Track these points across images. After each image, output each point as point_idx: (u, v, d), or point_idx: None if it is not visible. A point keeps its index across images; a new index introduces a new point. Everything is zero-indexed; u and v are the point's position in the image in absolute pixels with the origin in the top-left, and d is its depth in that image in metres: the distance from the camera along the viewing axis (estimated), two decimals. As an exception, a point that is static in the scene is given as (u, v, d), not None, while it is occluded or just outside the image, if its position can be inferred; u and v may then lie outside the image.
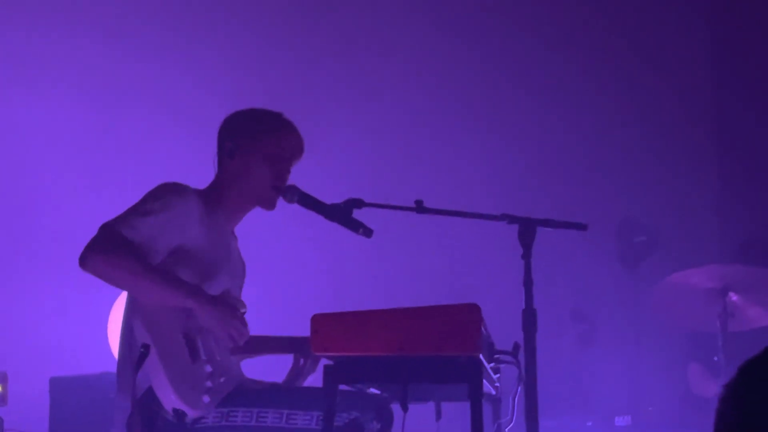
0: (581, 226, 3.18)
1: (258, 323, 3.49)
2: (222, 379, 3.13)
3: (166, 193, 3.21)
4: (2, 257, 5.56)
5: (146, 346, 2.96)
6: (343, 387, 2.95)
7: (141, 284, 3.06)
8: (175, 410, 3.00)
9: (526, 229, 3.12)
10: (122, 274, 3.06)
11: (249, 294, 3.43)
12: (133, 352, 3.06)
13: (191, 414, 3.02)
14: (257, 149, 3.36)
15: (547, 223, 3.17)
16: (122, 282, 3.12)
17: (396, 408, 3.05)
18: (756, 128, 6.67)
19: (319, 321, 2.85)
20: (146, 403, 3.03)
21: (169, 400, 2.99)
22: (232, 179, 3.37)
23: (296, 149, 3.40)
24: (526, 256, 3.12)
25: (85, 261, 3.04)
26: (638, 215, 6.36)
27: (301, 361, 3.45)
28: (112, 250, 3.04)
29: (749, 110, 6.75)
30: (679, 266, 5.28)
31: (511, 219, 3.16)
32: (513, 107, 6.68)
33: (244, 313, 3.29)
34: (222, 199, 3.37)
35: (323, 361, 2.96)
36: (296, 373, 3.46)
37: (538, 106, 6.70)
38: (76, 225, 5.36)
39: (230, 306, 3.17)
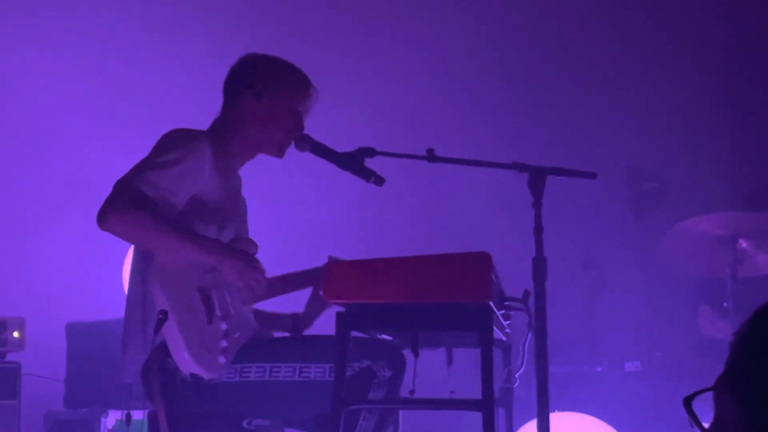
0: (591, 175, 3.20)
1: (270, 272, 3.52)
2: (237, 335, 3.14)
3: (180, 143, 3.17)
4: (19, 204, 5.60)
5: (164, 312, 2.97)
6: (354, 334, 3.00)
7: (162, 242, 3.04)
8: (193, 375, 3.03)
9: (536, 177, 3.14)
10: (142, 233, 3.04)
11: (261, 243, 3.46)
12: (144, 313, 3.08)
13: (207, 377, 3.05)
14: (283, 97, 3.35)
15: (557, 171, 3.18)
16: (143, 240, 3.10)
17: (407, 354, 3.09)
18: (766, 74, 6.64)
19: (331, 268, 2.88)
20: (161, 358, 3.06)
21: (186, 365, 3.00)
22: (249, 120, 3.33)
23: (310, 109, 3.41)
24: (537, 204, 3.14)
25: (104, 220, 3.01)
26: (648, 162, 6.36)
27: (321, 291, 3.45)
28: (131, 208, 3.00)
29: (759, 56, 6.72)
30: (689, 213, 5.30)
31: (521, 167, 3.17)
32: (524, 56, 6.66)
33: (255, 252, 3.31)
34: (233, 139, 3.34)
35: (336, 307, 3.00)
36: (317, 304, 3.47)
37: (548, 54, 6.68)
38: (92, 171, 5.42)
39: (248, 256, 3.18)
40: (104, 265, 5.43)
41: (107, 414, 4.69)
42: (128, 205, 3.01)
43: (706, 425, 1.46)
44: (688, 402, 1.47)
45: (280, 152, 3.39)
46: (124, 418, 3.50)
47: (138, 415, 4.00)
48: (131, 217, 3.01)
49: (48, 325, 5.00)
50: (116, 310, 4.84)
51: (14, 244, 5.56)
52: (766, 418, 1.36)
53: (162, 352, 3.04)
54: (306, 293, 3.53)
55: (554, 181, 3.19)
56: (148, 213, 3.02)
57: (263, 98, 3.33)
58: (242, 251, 3.18)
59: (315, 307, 3.48)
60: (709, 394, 1.51)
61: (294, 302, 3.55)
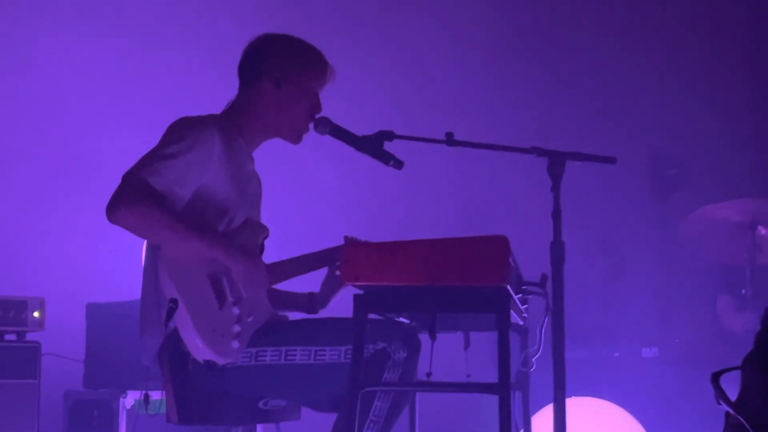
0: (610, 160, 3.19)
1: (286, 255, 3.54)
2: (250, 319, 3.13)
3: (187, 132, 3.15)
4: (40, 185, 5.63)
5: (174, 301, 2.97)
6: (371, 316, 3.00)
7: (168, 236, 3.03)
8: (206, 361, 3.02)
9: (555, 161, 3.13)
10: (150, 227, 3.02)
11: (280, 226, 3.47)
12: (159, 300, 3.07)
13: (221, 362, 3.04)
14: (302, 83, 3.33)
15: (576, 156, 3.18)
16: (150, 234, 3.09)
17: (424, 337, 3.10)
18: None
19: (349, 250, 2.89)
20: (174, 343, 3.07)
21: (200, 351, 3.00)
22: (267, 107, 3.32)
23: (325, 87, 3.41)
24: (555, 188, 3.13)
25: (112, 214, 3.00)
26: (669, 149, 6.35)
27: (338, 271, 3.43)
28: (139, 201, 3.00)
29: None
30: (709, 200, 5.29)
31: (540, 152, 3.17)
32: (545, 41, 6.65)
33: (266, 237, 3.31)
34: (248, 124, 3.33)
35: (353, 289, 3.00)
36: (333, 284, 3.47)
37: (570, 39, 6.66)
38: (112, 153, 5.44)
39: (251, 255, 3.17)
40: (124, 246, 5.43)
41: (126, 394, 4.72)
42: (136, 198, 3.00)
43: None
44: (716, 378, 1.48)
45: (297, 138, 3.39)
46: (142, 398, 3.52)
47: (156, 395, 4.03)
48: (139, 210, 3.00)
49: (68, 306, 5.02)
50: (135, 291, 4.84)
51: (34, 225, 5.59)
52: None
53: (175, 337, 3.05)
54: (321, 273, 3.53)
55: (576, 166, 3.19)
56: (155, 206, 3.01)
57: (282, 86, 3.32)
58: (246, 250, 3.16)
59: (331, 287, 3.49)
60: (733, 377, 1.52)
61: (310, 282, 3.56)
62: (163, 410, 3.26)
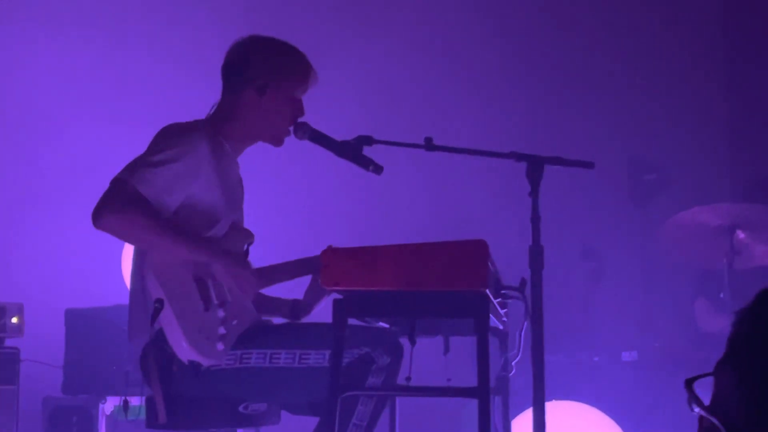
0: (588, 164, 3.20)
1: (269, 260, 3.54)
2: (235, 322, 3.14)
3: (176, 140, 3.15)
4: (18, 190, 5.61)
5: (160, 301, 2.99)
6: (353, 322, 3.00)
7: (156, 242, 3.05)
8: (191, 362, 3.04)
9: (534, 166, 3.14)
10: (137, 233, 3.04)
11: (261, 231, 3.47)
12: (146, 303, 3.08)
13: (206, 363, 3.06)
14: (285, 89, 3.33)
15: (554, 160, 3.18)
16: (137, 240, 3.12)
17: (404, 341, 3.10)
18: (766, 66, 6.64)
19: (329, 255, 2.89)
20: (159, 344, 3.07)
21: (185, 352, 3.02)
22: (251, 114, 3.32)
23: (310, 87, 3.41)
24: (534, 193, 3.14)
25: (99, 219, 3.00)
26: (649, 153, 6.38)
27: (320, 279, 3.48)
28: (126, 208, 3.00)
29: (759, 48, 6.72)
30: (688, 204, 5.30)
31: (519, 156, 3.17)
32: (522, 45, 6.66)
33: (251, 242, 3.32)
34: (233, 130, 3.33)
35: (335, 295, 3.01)
36: (317, 291, 3.47)
37: (547, 43, 6.68)
38: (92, 157, 5.43)
39: (239, 258, 3.19)
40: (103, 252, 5.43)
41: (105, 400, 4.71)
42: (124, 204, 3.00)
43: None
44: (689, 384, 1.49)
45: (279, 142, 3.40)
46: (122, 404, 3.51)
47: (136, 401, 4.02)
48: (126, 216, 3.00)
49: (47, 311, 5.01)
50: (115, 297, 4.87)
51: (13, 230, 5.56)
52: (764, 390, 1.38)
53: (160, 338, 3.05)
54: (305, 280, 3.54)
55: (556, 171, 3.19)
56: (142, 213, 3.01)
57: (266, 93, 3.31)
58: (234, 254, 3.18)
59: (314, 295, 3.49)
60: (706, 383, 1.52)
61: (294, 289, 3.56)
62: (143, 416, 3.25)
